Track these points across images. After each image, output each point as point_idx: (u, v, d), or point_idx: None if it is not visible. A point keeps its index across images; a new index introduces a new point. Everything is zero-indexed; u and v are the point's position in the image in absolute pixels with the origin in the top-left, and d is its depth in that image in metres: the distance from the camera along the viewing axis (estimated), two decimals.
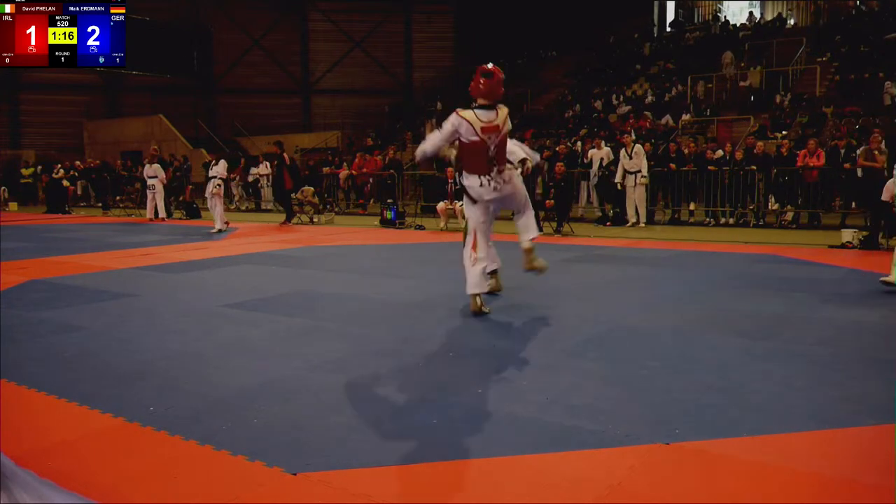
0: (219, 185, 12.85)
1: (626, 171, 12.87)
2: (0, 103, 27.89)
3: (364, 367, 4.04)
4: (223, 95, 31.14)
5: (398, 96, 31.29)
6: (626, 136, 13.51)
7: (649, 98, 22.26)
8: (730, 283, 6.68)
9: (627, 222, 12.95)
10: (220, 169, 13.04)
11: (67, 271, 7.76)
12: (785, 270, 7.62)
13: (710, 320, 5.25)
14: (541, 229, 11.65)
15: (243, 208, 19.36)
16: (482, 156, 5.22)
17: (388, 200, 14.37)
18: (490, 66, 5.38)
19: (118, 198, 19.85)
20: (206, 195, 13.05)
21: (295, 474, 2.65)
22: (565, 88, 25.86)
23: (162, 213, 15.51)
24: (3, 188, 22.58)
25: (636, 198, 12.90)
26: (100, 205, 19.67)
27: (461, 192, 5.66)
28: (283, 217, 14.49)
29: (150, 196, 15.47)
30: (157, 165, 15.43)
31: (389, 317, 5.37)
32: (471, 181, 5.32)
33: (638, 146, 13.03)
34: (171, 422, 3.17)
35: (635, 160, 12.81)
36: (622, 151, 13.04)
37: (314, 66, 31.98)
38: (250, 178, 19.29)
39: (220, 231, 12.50)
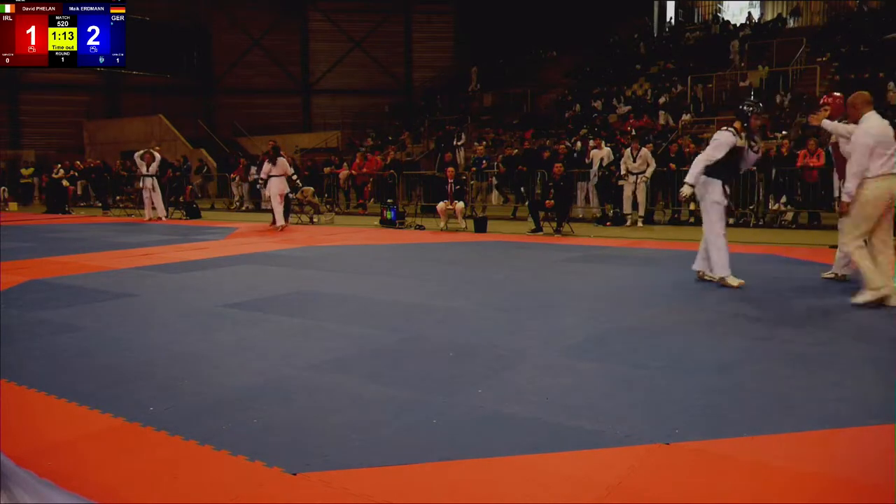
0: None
1: (629, 171, 12.94)
2: (0, 103, 27.89)
3: (364, 367, 4.04)
4: (223, 95, 31.17)
5: (398, 96, 31.31)
6: (634, 142, 13.52)
7: (662, 99, 22.18)
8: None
9: (627, 221, 12.95)
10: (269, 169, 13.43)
11: (67, 271, 7.76)
12: (785, 270, 7.63)
13: (710, 320, 5.25)
14: (541, 229, 11.77)
15: (243, 208, 19.36)
16: None
17: (388, 200, 14.36)
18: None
19: (118, 198, 19.84)
20: (271, 194, 13.26)
21: (295, 474, 2.65)
22: (565, 88, 25.87)
23: (161, 213, 15.51)
24: (3, 188, 22.56)
25: (637, 193, 12.94)
26: (100, 205, 19.66)
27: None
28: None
29: (147, 196, 15.42)
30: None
31: (389, 317, 5.37)
32: None
33: (644, 150, 13.07)
34: (171, 422, 3.17)
35: (639, 163, 12.84)
36: (626, 151, 13.09)
37: (314, 66, 32.00)
38: (251, 178, 19.27)
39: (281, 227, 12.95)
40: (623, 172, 13.09)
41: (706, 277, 6.68)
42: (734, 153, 6.42)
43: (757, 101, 6.60)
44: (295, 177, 13.70)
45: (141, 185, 15.45)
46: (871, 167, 5.52)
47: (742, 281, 6.30)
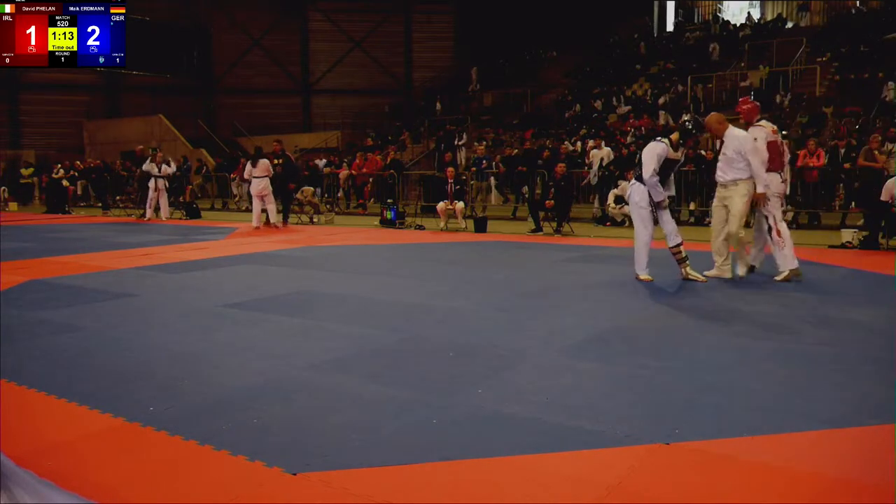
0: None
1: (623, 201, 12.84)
2: (0, 103, 27.89)
3: (364, 367, 4.04)
4: (223, 95, 31.17)
5: (398, 96, 31.31)
6: (628, 174, 13.36)
7: (662, 99, 22.11)
8: (729, 283, 6.69)
9: (626, 223, 12.94)
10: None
11: (67, 271, 7.76)
12: None
13: (710, 320, 5.26)
14: (541, 229, 11.78)
15: (243, 208, 19.36)
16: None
17: (388, 200, 14.36)
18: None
19: (118, 198, 19.83)
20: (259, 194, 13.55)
21: (295, 474, 2.65)
22: (565, 88, 25.87)
23: (164, 215, 15.58)
24: (3, 188, 22.55)
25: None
26: (100, 205, 19.65)
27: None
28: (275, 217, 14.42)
29: (152, 196, 15.49)
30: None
31: (389, 317, 5.38)
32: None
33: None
34: (171, 422, 3.17)
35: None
36: (623, 184, 12.93)
37: (314, 66, 32.00)
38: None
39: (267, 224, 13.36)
40: (609, 202, 12.94)
41: (690, 277, 6.82)
42: (666, 163, 6.77)
43: (699, 120, 7.17)
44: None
45: (153, 185, 15.57)
46: (741, 171, 6.50)
47: (651, 277, 6.80)
